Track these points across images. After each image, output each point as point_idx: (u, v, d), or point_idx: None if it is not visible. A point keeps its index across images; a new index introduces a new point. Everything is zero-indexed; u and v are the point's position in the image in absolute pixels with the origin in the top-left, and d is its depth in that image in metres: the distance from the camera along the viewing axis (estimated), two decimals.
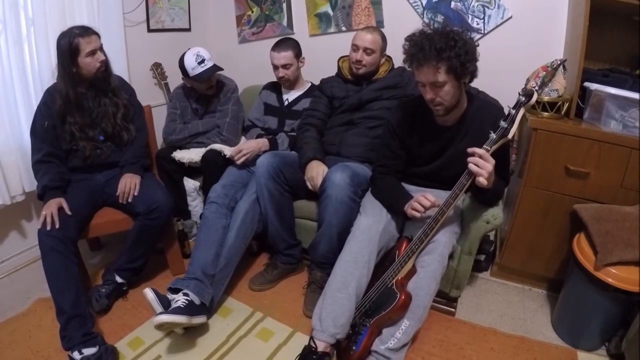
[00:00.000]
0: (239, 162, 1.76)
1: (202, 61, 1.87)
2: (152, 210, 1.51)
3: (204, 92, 1.98)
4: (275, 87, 2.07)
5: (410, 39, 1.23)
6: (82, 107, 1.56)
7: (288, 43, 1.89)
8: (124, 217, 1.59)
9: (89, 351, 1.26)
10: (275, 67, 1.91)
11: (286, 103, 2.01)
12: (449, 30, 1.18)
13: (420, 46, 1.17)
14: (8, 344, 1.40)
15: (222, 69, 1.96)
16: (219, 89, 2.01)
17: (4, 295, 1.68)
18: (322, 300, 1.31)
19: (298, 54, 1.92)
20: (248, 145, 1.81)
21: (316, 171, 1.58)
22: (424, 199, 1.26)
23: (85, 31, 1.48)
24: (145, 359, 1.35)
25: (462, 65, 1.17)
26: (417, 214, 1.28)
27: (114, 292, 1.58)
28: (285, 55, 1.86)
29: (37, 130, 1.53)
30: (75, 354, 1.25)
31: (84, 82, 1.55)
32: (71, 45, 1.45)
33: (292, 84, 1.99)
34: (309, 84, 2.04)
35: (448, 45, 1.14)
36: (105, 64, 1.57)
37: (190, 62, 1.86)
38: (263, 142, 1.84)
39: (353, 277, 1.28)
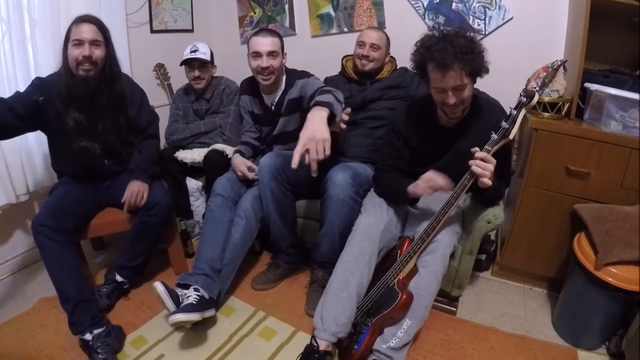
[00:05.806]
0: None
1: (195, 51, 1.93)
2: (151, 207, 1.52)
3: (191, 82, 1.99)
4: (253, 90, 1.80)
5: (428, 45, 1.19)
6: (82, 108, 1.43)
7: (273, 32, 1.67)
8: (125, 217, 1.59)
9: (98, 331, 1.31)
10: (257, 56, 1.59)
11: (273, 108, 1.76)
12: (466, 33, 1.19)
13: (443, 51, 1.14)
14: (12, 342, 1.41)
15: (208, 61, 1.96)
16: (221, 91, 2.01)
17: (8, 294, 1.69)
18: (323, 299, 1.31)
19: (283, 47, 1.67)
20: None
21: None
22: (443, 179, 1.25)
23: (82, 18, 1.35)
24: (149, 358, 1.36)
25: (481, 66, 1.19)
26: (430, 190, 1.27)
27: (114, 291, 1.58)
28: (273, 41, 1.60)
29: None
30: (87, 335, 1.29)
31: (81, 82, 1.38)
32: (68, 31, 1.35)
33: (274, 84, 1.68)
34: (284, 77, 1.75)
35: (469, 48, 1.14)
36: (99, 65, 1.41)
37: (186, 50, 1.96)
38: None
39: (354, 276, 1.29)
